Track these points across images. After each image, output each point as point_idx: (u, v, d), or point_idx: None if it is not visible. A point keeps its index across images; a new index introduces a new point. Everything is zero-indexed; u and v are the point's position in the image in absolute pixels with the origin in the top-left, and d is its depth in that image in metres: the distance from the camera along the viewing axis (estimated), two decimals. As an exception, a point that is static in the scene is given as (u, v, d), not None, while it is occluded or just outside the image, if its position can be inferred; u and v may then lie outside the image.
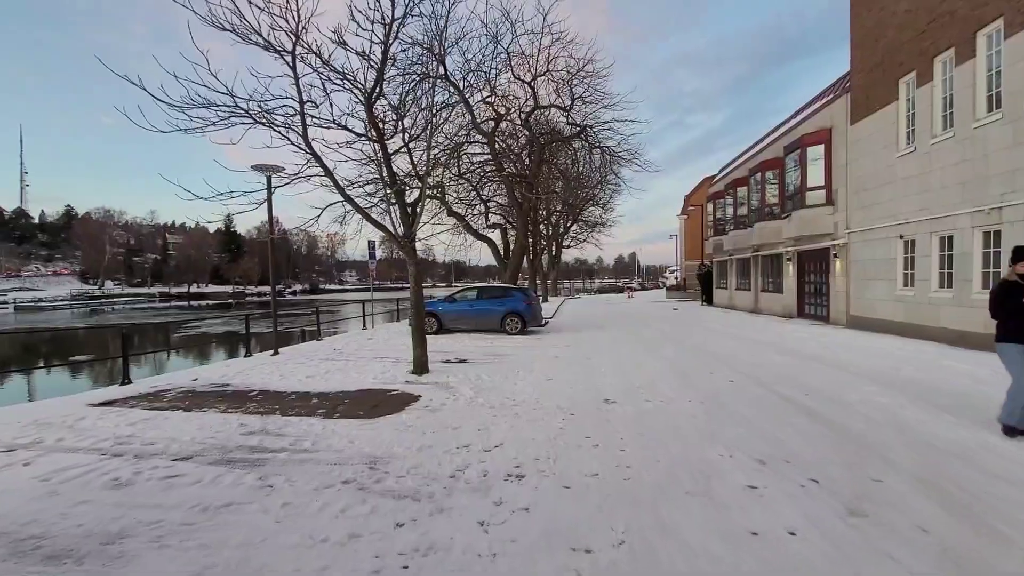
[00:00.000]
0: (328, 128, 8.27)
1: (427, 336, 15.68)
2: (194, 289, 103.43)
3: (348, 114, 8.69)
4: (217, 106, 7.44)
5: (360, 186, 13.97)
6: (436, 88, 15.70)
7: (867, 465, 4.13)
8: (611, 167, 18.14)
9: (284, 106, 8.01)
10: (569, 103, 18.52)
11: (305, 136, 8.09)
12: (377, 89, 8.44)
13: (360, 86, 8.32)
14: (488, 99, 18.27)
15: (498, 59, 17.17)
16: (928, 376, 7.57)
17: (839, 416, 5.56)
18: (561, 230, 39.49)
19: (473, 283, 17.22)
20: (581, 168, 21.05)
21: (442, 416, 5.99)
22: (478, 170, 18.74)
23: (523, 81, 18.18)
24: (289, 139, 8.16)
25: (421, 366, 8.77)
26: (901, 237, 12.36)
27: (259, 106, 7.77)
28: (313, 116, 8.09)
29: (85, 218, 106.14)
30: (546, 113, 19.44)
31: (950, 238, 10.80)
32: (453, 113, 18.10)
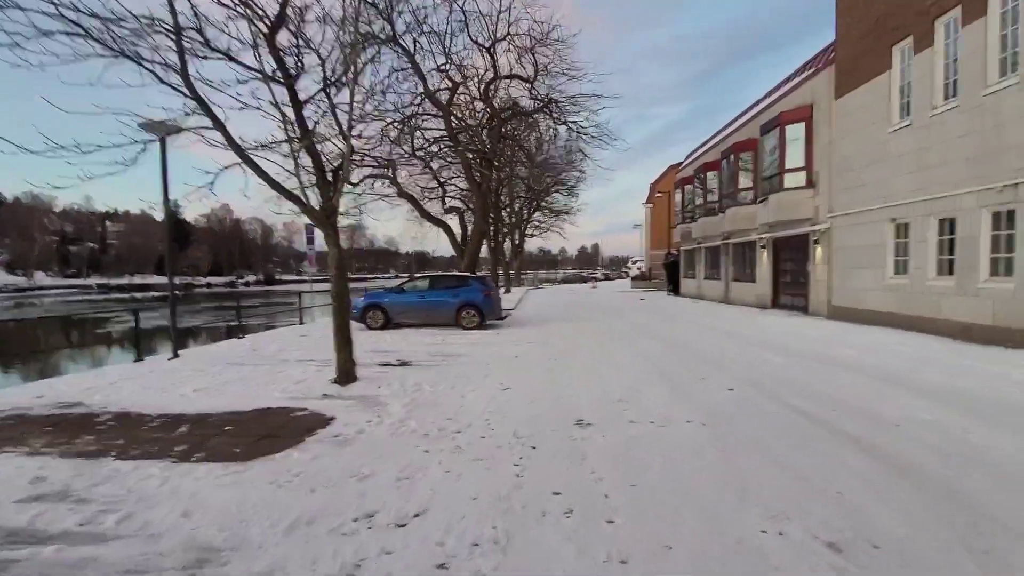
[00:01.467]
0: (215, 58, 6.24)
1: (372, 331, 13.88)
2: (138, 280, 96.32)
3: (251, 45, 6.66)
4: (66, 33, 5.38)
5: (274, 146, 11.82)
6: (381, 52, 13.71)
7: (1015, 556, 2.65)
8: (577, 144, 16.62)
9: (159, 31, 5.96)
10: (532, 74, 16.81)
11: (184, 73, 6.07)
12: (283, 17, 6.47)
13: (259, 9, 6.33)
14: (443, 66, 16.34)
15: (453, 19, 15.26)
16: (963, 382, 6.33)
17: (897, 448, 4.13)
18: (524, 216, 37.79)
19: (435, 273, 15.34)
20: (546, 148, 19.39)
21: (351, 454, 4.23)
22: (433, 147, 16.79)
23: (481, 46, 16.31)
24: (170, 83, 6.14)
25: (346, 374, 6.94)
26: (893, 220, 11.31)
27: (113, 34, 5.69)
28: (193, 42, 6.05)
29: (12, 204, 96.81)
30: (507, 84, 17.64)
31: (951, 221, 9.75)
32: (404, 84, 16.15)
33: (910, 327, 10.64)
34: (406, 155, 16.52)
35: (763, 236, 17.52)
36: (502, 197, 29.83)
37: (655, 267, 42.97)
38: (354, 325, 14.27)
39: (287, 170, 6.99)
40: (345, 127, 6.73)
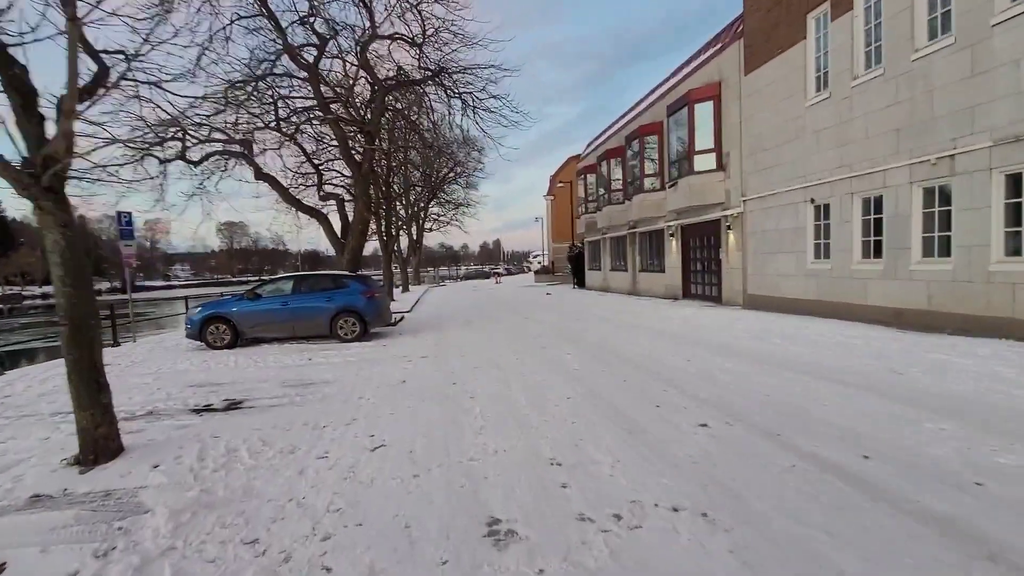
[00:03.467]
0: None
1: (216, 351, 10.41)
2: (-67, 293, 77.23)
3: None
4: None
5: None
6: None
7: None
8: (475, 120, 14.48)
9: None
10: (420, 35, 14.29)
11: None
12: None
13: None
14: (307, 18, 13.25)
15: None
16: (958, 386, 5.15)
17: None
18: (420, 206, 34.91)
19: (301, 272, 12.21)
20: (442, 127, 16.95)
21: None
22: (295, 117, 13.59)
23: (355, -2, 13.46)
24: None
25: (95, 446, 4.09)
26: (812, 201, 10.60)
27: None
28: None
29: None
30: (390, 46, 14.93)
31: (878, 199, 9.07)
32: (257, 38, 12.85)
33: (833, 314, 9.95)
34: (262, 126, 13.20)
35: (671, 224, 16.73)
36: (394, 186, 26.86)
37: (558, 260, 42.40)
38: (190, 345, 11.10)
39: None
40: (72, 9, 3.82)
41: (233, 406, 5.92)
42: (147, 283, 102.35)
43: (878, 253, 9.11)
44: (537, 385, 6.05)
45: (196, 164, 13.39)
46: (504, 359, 7.87)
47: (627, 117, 20.49)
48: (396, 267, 36.97)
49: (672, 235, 16.84)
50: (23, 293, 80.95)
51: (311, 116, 13.31)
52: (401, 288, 32.48)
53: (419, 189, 32.83)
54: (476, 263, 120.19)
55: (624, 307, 15.56)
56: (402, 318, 15.39)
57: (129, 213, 11.83)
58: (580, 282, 28.77)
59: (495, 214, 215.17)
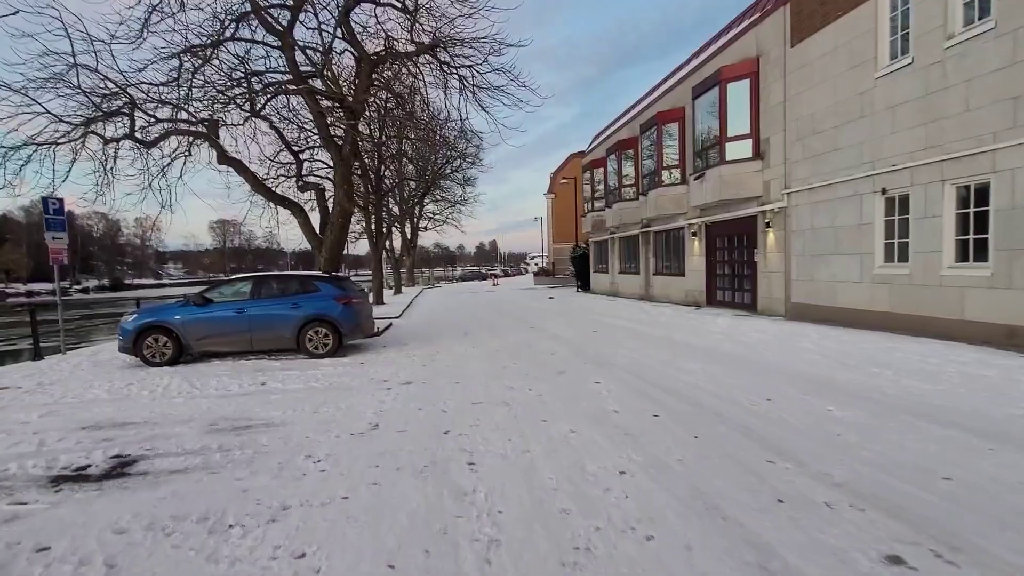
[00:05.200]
0: None
1: (153, 369, 8.23)
2: (-90, 289, 74.44)
3: None
4: None
5: None
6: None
7: None
8: (475, 98, 12.57)
9: None
10: (413, 2, 12.37)
11: None
12: None
13: None
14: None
15: None
16: None
17: None
18: (414, 201, 32.86)
19: (263, 272, 10.20)
20: (431, 105, 15.01)
21: None
22: (265, 89, 11.62)
23: (336, -49, 11.54)
24: None
25: None
26: (883, 192, 8.76)
27: None
28: None
29: None
30: (377, 13, 12.99)
31: (982, 187, 7.23)
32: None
33: (913, 330, 8.11)
34: (225, 100, 11.24)
35: (694, 221, 14.88)
36: (385, 180, 24.93)
37: (559, 262, 40.55)
38: (127, 361, 9.05)
39: None
40: None
41: (118, 470, 3.99)
42: (137, 281, 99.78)
43: (981, 255, 7.27)
44: (568, 443, 4.15)
45: (149, 145, 11.44)
46: (513, 391, 5.95)
47: (641, 105, 18.64)
48: (389, 267, 35.02)
49: (694, 234, 14.99)
50: (7, 291, 78.45)
51: (281, 89, 11.33)
52: (393, 290, 30.51)
53: (413, 185, 30.89)
54: (472, 264, 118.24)
55: (644, 315, 13.67)
56: (389, 325, 13.46)
57: (60, 200, 9.86)
58: (584, 285, 26.90)
59: (491, 216, 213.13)
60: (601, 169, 22.45)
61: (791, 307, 11.12)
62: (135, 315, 8.59)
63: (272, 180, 14.95)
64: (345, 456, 4.07)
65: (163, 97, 10.77)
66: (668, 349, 8.30)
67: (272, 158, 15.37)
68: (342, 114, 11.58)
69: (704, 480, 3.32)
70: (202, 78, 10.71)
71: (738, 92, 12.26)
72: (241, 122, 11.73)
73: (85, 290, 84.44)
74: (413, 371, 7.40)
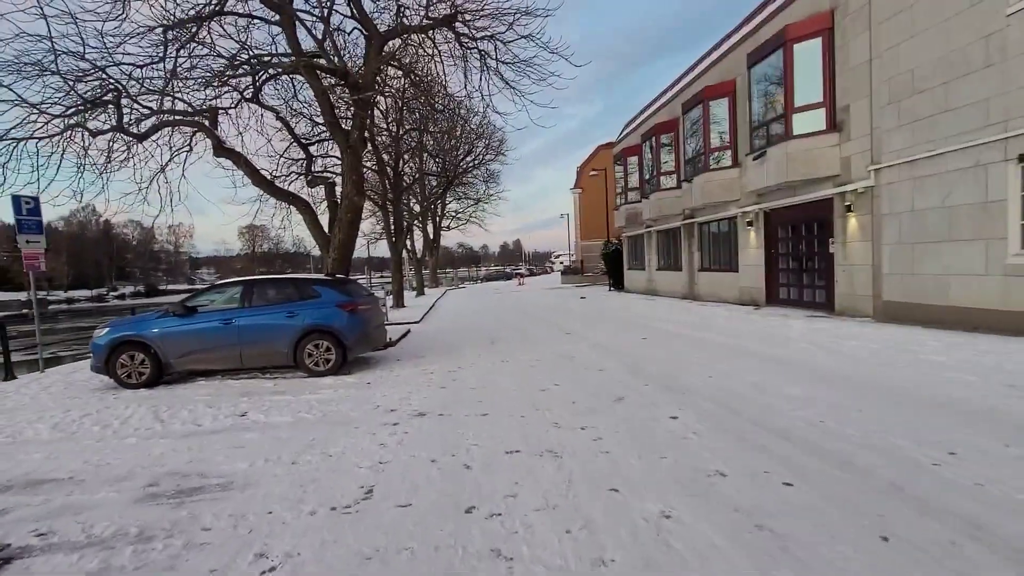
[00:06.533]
0: None
1: (130, 388, 6.71)
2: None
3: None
4: None
5: None
6: None
7: None
8: (498, 70, 11.04)
9: None
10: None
11: None
12: None
13: None
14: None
15: None
16: None
17: None
18: (435, 195, 31.43)
19: (254, 276, 8.76)
20: (447, 87, 13.51)
21: None
22: (265, 68, 10.33)
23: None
24: None
25: None
26: (1020, 160, 6.87)
27: None
28: None
29: None
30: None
31: None
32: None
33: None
34: (218, 84, 10.00)
35: (749, 209, 13.02)
36: (404, 177, 23.68)
37: (588, 259, 38.77)
38: (102, 382, 7.31)
39: None
40: None
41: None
42: (171, 287, 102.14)
43: None
44: (667, 545, 2.56)
45: (140, 138, 10.32)
46: (561, 431, 4.40)
47: (682, 83, 16.79)
48: (412, 268, 33.89)
49: (750, 224, 13.13)
50: (48, 298, 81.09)
51: (276, 63, 9.98)
52: (416, 292, 29.29)
53: (434, 183, 29.54)
54: (496, 264, 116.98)
55: (695, 317, 11.92)
56: (407, 332, 12.07)
57: (35, 199, 8.76)
58: (617, 284, 25.12)
59: (514, 215, 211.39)
60: (635, 157, 20.66)
61: (882, 306, 9.24)
62: (107, 328, 7.36)
63: (283, 178, 13.75)
64: (313, 559, 2.60)
65: (150, 84, 9.59)
66: (748, 363, 6.60)
67: (282, 154, 14.19)
68: (348, 94, 10.20)
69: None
70: (189, 56, 9.46)
71: (807, 54, 10.40)
72: (233, 104, 10.46)
73: (122, 296, 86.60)
74: (429, 396, 5.92)
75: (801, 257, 11.81)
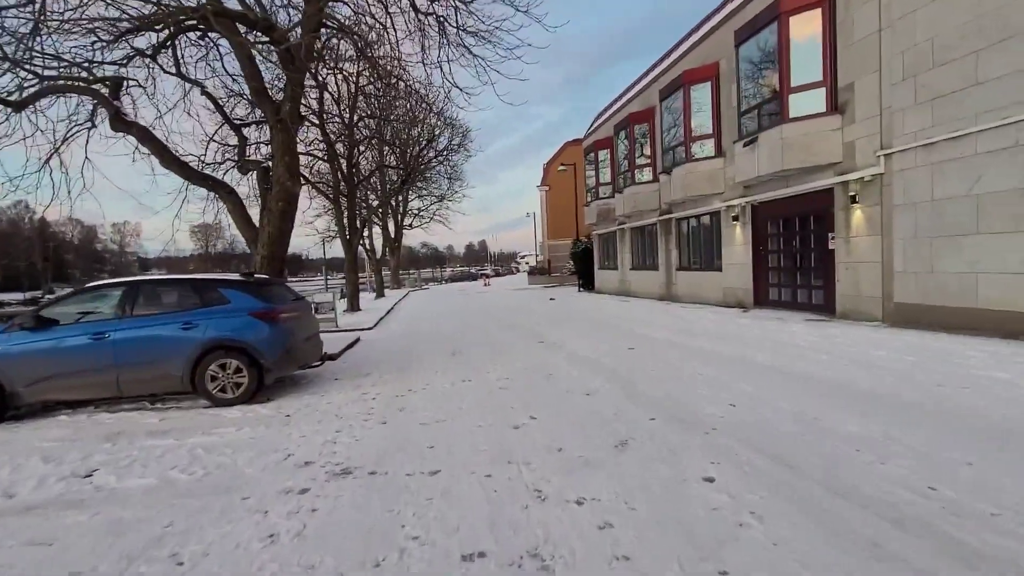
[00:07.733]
0: None
1: None
2: None
3: None
4: None
5: None
6: None
7: None
8: (459, 37, 9.52)
9: None
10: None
11: None
12: None
13: None
14: None
15: None
16: None
17: None
18: (393, 192, 29.48)
19: (138, 277, 6.72)
20: (402, 63, 11.84)
21: None
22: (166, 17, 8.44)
23: None
24: None
25: None
26: (1070, 138, 5.88)
27: None
28: None
29: None
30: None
31: None
32: None
33: None
34: (107, 37, 8.06)
35: (735, 202, 11.96)
36: (359, 167, 21.78)
37: (555, 259, 37.61)
38: None
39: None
40: None
41: None
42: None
43: None
44: None
45: (18, 107, 8.32)
46: (547, 507, 2.91)
47: (658, 69, 15.68)
48: (371, 269, 31.82)
49: (736, 218, 12.07)
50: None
51: (178, 8, 8.08)
52: (376, 294, 27.30)
53: (393, 177, 27.57)
54: (462, 264, 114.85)
55: (680, 321, 10.71)
56: (355, 341, 10.37)
57: None
58: (587, 284, 23.95)
59: (480, 216, 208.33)
60: (607, 151, 19.50)
61: (894, 309, 8.22)
62: (-77, 349, 5.44)
63: (215, 166, 11.76)
64: None
65: (12, 31, 7.58)
66: (769, 382, 5.32)
67: (211, 137, 12.16)
68: (273, 50, 8.46)
69: None
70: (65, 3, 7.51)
71: (804, 27, 9.36)
72: (147, 75, 8.56)
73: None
74: (363, 437, 4.35)
75: (795, 254, 10.79)
